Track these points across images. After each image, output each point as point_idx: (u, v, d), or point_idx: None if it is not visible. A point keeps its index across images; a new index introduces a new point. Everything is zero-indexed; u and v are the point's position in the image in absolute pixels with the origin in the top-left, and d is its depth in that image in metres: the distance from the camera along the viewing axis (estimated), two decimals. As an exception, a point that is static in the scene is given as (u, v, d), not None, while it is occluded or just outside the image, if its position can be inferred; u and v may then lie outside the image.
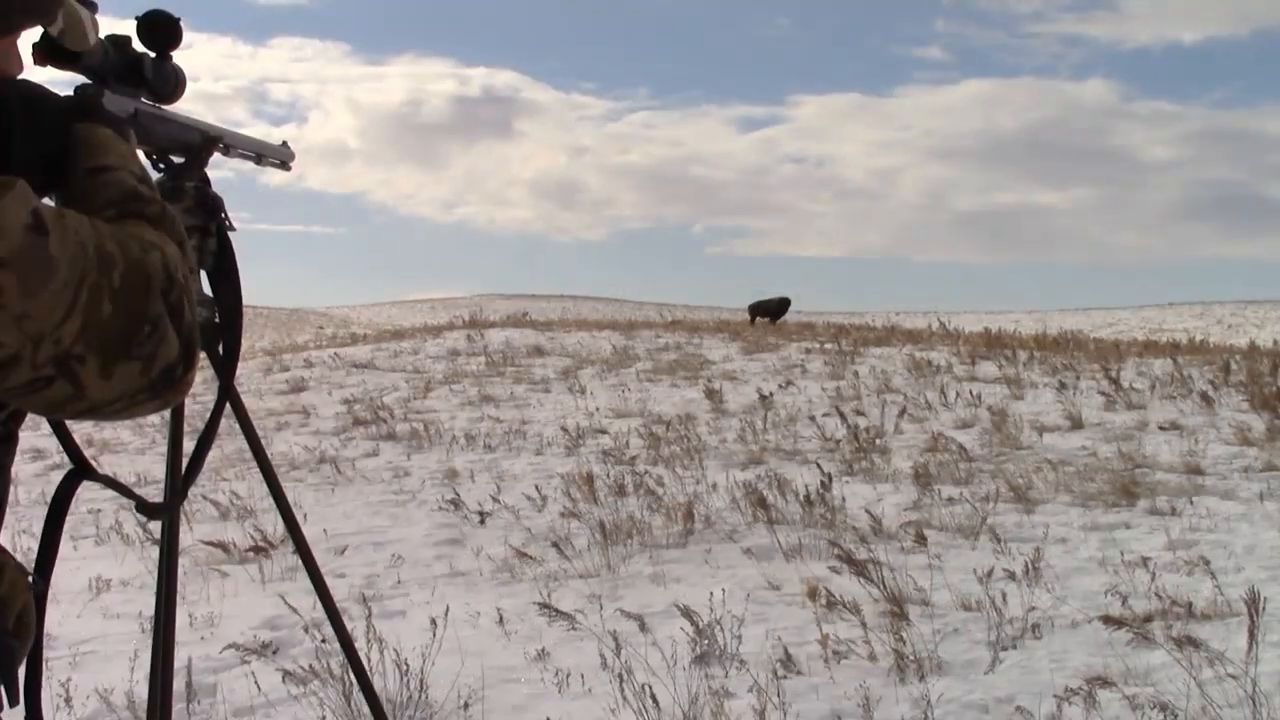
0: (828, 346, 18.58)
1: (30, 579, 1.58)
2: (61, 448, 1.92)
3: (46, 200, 1.52)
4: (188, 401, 1.78)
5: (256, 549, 7.30)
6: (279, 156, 2.62)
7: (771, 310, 28.83)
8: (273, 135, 2.72)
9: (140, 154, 1.91)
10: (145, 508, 2.19)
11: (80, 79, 1.81)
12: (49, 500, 1.85)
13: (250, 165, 2.59)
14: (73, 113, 1.60)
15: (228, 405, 2.39)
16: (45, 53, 1.74)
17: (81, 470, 1.89)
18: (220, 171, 2.27)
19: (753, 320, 28.56)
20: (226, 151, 2.35)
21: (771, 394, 13.60)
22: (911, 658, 4.92)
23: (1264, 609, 4.49)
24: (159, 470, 10.28)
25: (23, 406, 1.39)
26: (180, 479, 2.38)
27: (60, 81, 1.73)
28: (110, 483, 2.04)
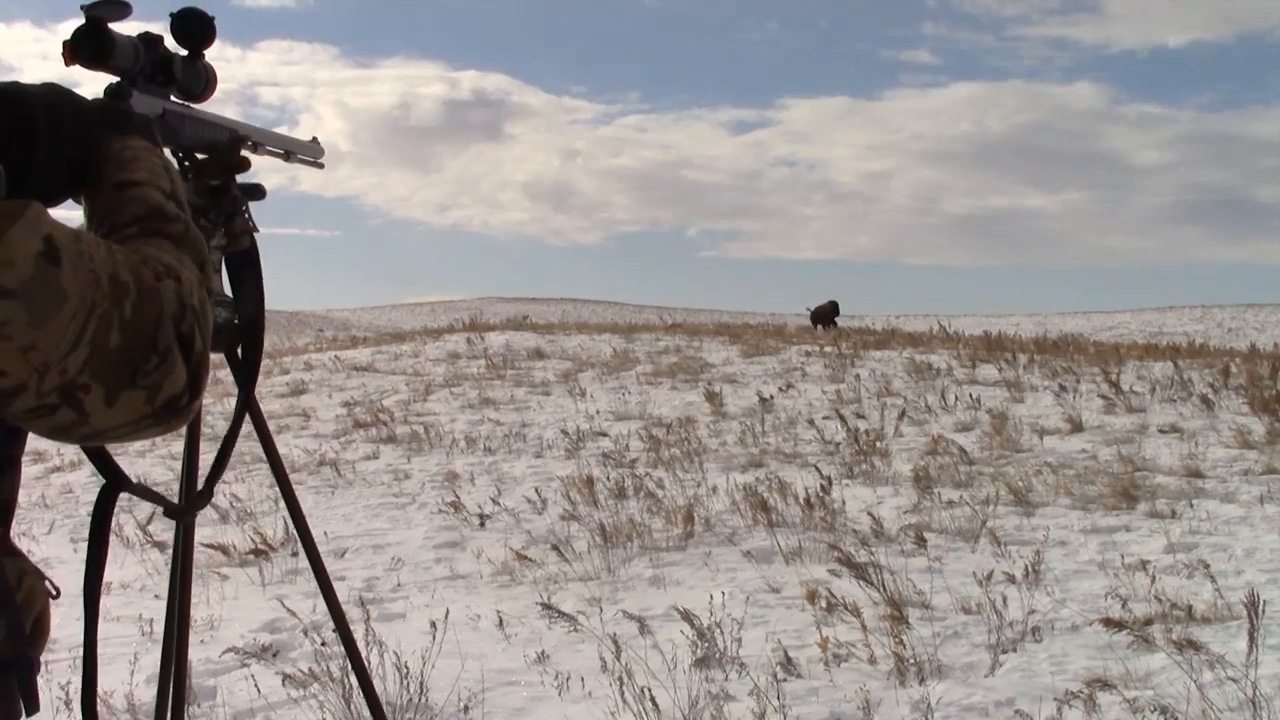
0: (827, 350, 18.58)
1: (47, 583, 1.59)
2: (90, 462, 1.91)
3: (71, 206, 1.53)
4: (205, 403, 1.77)
5: (256, 552, 7.30)
6: (309, 154, 2.57)
7: (826, 315, 29.61)
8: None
9: (168, 154, 1.90)
10: (171, 510, 2.21)
11: (109, 78, 1.81)
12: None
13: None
14: (103, 121, 1.59)
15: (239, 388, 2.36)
16: (74, 52, 1.74)
17: (117, 481, 1.88)
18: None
19: (815, 325, 29.11)
20: (255, 149, 2.32)
21: (771, 397, 13.60)
22: (911, 661, 4.92)
23: (1264, 612, 4.49)
24: (158, 474, 10.30)
25: (28, 429, 1.38)
26: (195, 481, 2.38)
27: (67, 79, 1.73)
28: (141, 492, 2.04)
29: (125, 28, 1.79)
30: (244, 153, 2.20)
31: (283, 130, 2.46)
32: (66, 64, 1.74)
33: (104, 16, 1.73)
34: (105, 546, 1.85)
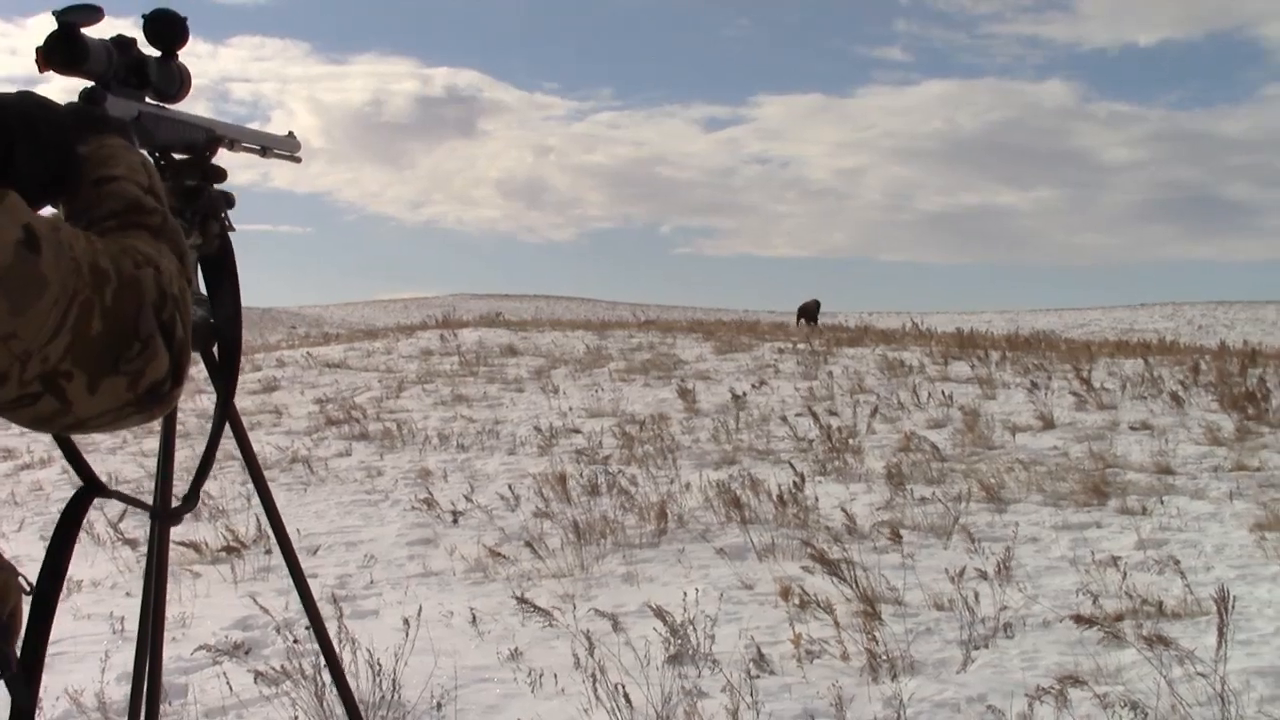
0: (800, 346, 18.61)
1: (20, 579, 1.58)
2: (68, 464, 1.90)
3: (49, 209, 1.53)
4: (180, 404, 1.77)
5: (228, 549, 7.27)
6: (286, 148, 2.56)
7: (810, 311, 30.17)
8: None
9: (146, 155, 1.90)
10: (159, 514, 2.21)
11: (84, 83, 1.81)
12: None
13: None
14: (78, 125, 1.59)
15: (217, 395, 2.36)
16: (47, 58, 1.73)
17: (91, 486, 1.88)
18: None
19: (799, 320, 29.65)
20: (231, 146, 2.31)
21: (745, 394, 13.62)
22: (884, 657, 4.94)
23: (1233, 607, 4.52)
24: (129, 470, 10.24)
25: (10, 420, 1.38)
26: (171, 484, 2.38)
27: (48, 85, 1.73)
28: (120, 497, 2.03)
29: (98, 29, 1.78)
30: (221, 153, 2.19)
31: (256, 126, 2.45)
32: (40, 70, 1.73)
33: (76, 21, 1.72)
34: (70, 551, 1.82)
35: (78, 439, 1.82)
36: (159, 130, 2.00)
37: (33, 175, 1.48)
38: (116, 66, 1.84)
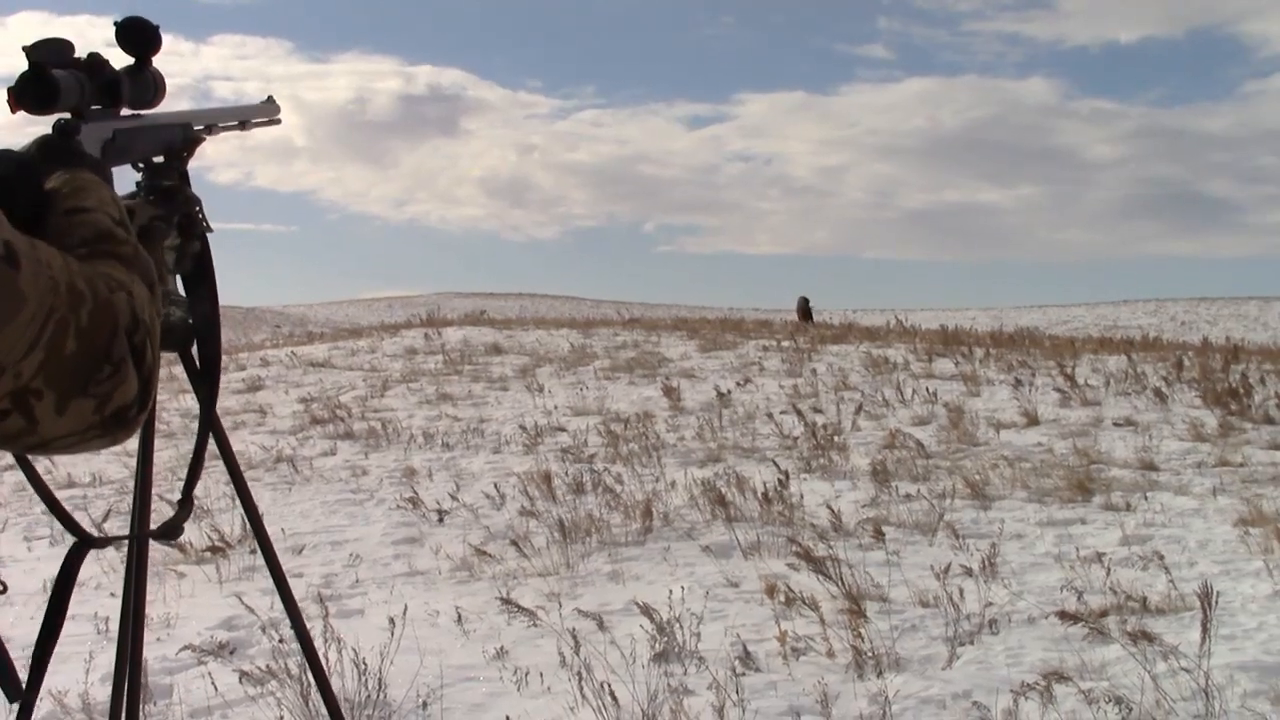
0: (785, 344, 18.63)
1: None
2: (59, 521, 1.92)
3: None
4: (161, 406, 1.75)
5: (213, 549, 7.25)
6: (265, 115, 2.54)
7: (804, 309, 30.77)
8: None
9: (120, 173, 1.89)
10: (156, 533, 2.27)
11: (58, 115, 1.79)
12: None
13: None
14: (47, 161, 1.58)
15: (198, 399, 2.35)
16: (19, 99, 1.71)
17: (83, 542, 1.90)
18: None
19: (798, 314, 30.31)
20: (210, 130, 2.30)
21: (729, 392, 13.63)
22: (869, 654, 4.94)
23: (1217, 603, 4.54)
24: (113, 471, 10.19)
25: None
26: (149, 503, 2.39)
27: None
28: (112, 543, 2.04)
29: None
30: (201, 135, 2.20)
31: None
32: (12, 111, 1.72)
33: (47, 61, 1.71)
34: (65, 606, 1.85)
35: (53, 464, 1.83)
36: (136, 143, 2.00)
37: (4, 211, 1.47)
38: (89, 94, 1.82)
